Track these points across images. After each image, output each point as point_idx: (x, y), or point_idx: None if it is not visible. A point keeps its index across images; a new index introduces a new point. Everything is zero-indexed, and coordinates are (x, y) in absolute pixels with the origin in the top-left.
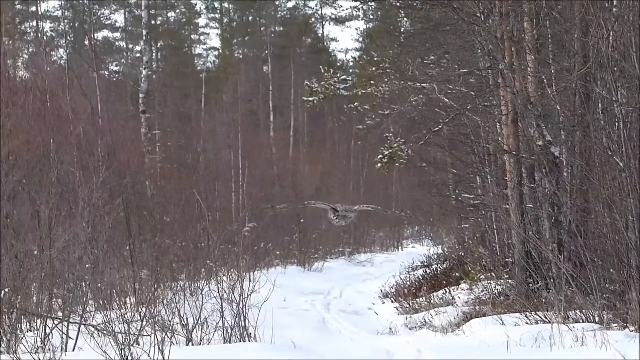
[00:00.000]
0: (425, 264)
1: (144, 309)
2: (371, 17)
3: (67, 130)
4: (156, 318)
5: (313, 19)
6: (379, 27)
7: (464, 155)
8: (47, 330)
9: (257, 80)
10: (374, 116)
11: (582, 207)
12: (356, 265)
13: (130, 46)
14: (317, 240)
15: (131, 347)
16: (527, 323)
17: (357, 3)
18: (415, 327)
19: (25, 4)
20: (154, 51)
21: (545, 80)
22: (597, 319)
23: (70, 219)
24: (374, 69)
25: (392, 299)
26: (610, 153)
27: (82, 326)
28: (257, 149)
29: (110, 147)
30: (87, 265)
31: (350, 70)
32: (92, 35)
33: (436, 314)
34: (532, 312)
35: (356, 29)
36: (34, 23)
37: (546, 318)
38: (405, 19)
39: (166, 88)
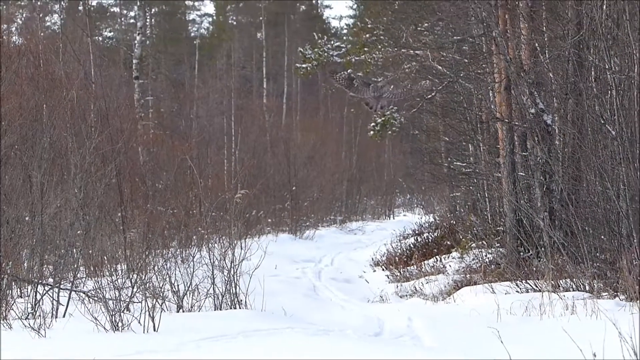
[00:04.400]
0: (417, 232)
1: (135, 275)
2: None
3: (60, 96)
4: (147, 285)
5: None
6: None
7: (457, 123)
8: (38, 297)
9: (251, 47)
10: None
11: (574, 175)
12: (348, 234)
13: (125, 12)
14: (309, 208)
15: (122, 314)
16: (517, 291)
17: None
18: (406, 295)
19: None
20: (148, 17)
21: (538, 47)
22: (587, 287)
23: (62, 184)
24: (367, 36)
25: (383, 267)
26: (602, 121)
27: (73, 292)
28: (250, 116)
29: (103, 112)
30: (78, 232)
31: (344, 37)
32: (86, 1)
33: (427, 282)
34: (523, 281)
35: None
36: None
37: (537, 286)
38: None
39: (160, 54)
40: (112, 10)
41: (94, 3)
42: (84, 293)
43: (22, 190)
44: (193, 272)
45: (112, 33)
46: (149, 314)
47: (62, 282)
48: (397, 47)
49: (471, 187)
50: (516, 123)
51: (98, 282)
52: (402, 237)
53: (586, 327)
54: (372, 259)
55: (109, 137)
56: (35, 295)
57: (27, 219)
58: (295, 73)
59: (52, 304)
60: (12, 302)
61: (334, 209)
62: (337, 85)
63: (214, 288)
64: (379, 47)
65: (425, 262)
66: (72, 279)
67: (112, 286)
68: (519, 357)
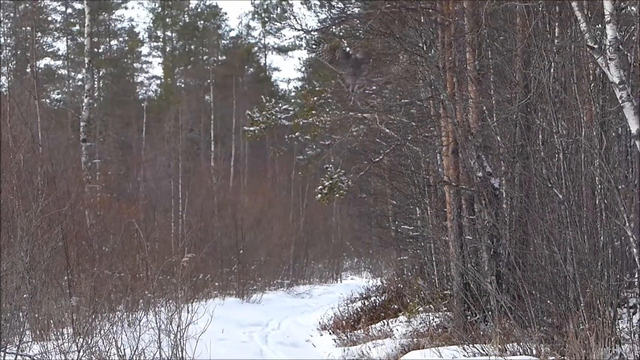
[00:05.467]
0: (364, 296)
1: (81, 339)
2: (314, 47)
3: (7, 158)
4: (93, 349)
5: (256, 49)
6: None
7: (404, 186)
8: None
9: (199, 110)
10: (315, 146)
11: (521, 239)
12: (295, 297)
13: (72, 74)
14: (256, 271)
15: None
16: (464, 356)
17: (300, 33)
18: None
19: None
20: (96, 79)
21: (486, 111)
22: (534, 351)
23: (9, 247)
24: (315, 99)
25: (330, 331)
26: (550, 185)
27: (18, 356)
28: (198, 179)
29: (50, 175)
30: (24, 295)
31: (292, 100)
32: (34, 63)
33: (374, 347)
34: (470, 345)
35: (299, 58)
36: None
37: (484, 351)
38: (347, 49)
39: (107, 116)
40: (59, 72)
41: (41, 65)
42: (30, 357)
43: None
44: (139, 336)
45: (59, 95)
46: None
47: (7, 346)
48: (345, 110)
49: (418, 251)
50: (463, 186)
51: (44, 346)
52: (349, 300)
53: None
54: (319, 323)
55: (56, 200)
56: None
57: None
58: (243, 136)
59: None
60: None
61: (281, 273)
62: (320, 58)
63: (160, 352)
64: (327, 110)
65: (373, 326)
66: (18, 343)
67: (58, 350)
68: None
